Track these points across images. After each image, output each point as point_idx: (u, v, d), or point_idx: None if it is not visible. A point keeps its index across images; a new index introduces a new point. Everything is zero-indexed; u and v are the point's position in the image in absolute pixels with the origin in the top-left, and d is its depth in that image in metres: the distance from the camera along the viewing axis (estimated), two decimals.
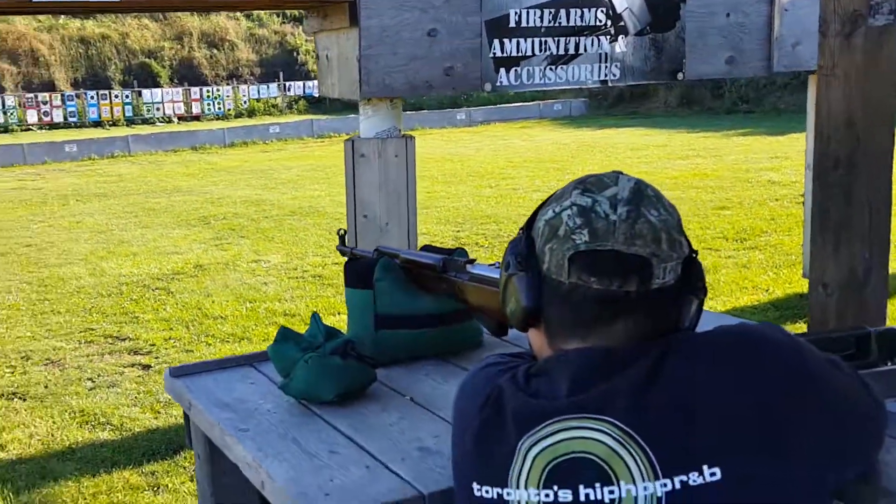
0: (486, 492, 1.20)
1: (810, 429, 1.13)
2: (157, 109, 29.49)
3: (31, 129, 27.08)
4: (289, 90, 31.76)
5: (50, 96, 28.27)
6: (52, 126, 27.57)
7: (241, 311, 6.52)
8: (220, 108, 30.50)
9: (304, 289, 7.14)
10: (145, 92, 29.79)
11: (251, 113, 30.80)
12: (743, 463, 1.10)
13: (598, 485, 1.12)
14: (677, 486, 1.10)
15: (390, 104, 3.87)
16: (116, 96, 29.10)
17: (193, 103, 30.32)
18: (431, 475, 1.36)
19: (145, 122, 28.92)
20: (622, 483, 1.11)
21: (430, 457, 1.42)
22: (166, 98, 29.76)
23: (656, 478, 1.10)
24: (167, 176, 15.92)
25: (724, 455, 1.10)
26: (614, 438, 1.13)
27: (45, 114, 27.84)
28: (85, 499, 3.67)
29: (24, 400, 4.87)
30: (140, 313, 6.55)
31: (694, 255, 1.28)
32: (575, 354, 1.22)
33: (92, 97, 28.61)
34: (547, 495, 1.14)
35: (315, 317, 1.73)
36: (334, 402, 1.65)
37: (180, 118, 29.59)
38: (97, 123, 28.17)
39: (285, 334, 1.69)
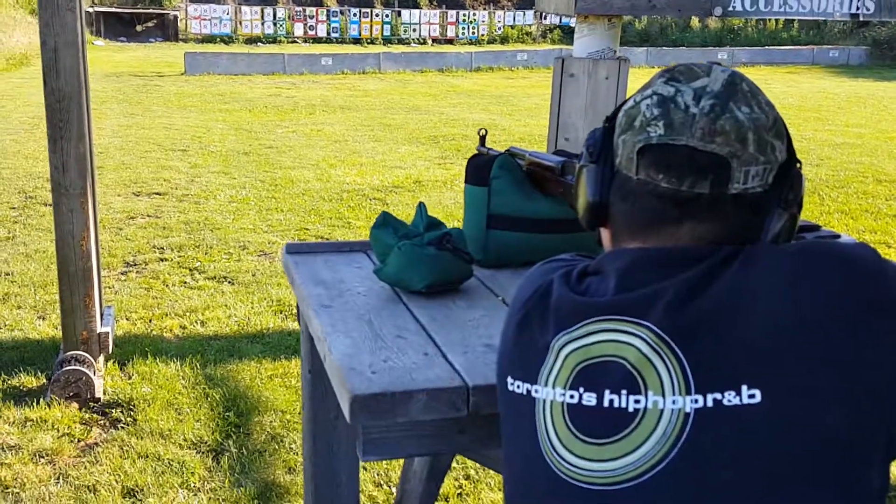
0: (518, 387, 1.13)
1: (881, 363, 0.96)
2: (414, 31, 30.26)
3: (297, 42, 28.59)
4: (545, 18, 31.49)
5: (317, 11, 29.69)
6: (315, 40, 28.99)
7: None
8: (473, 34, 30.83)
9: None
10: (404, 12, 30.61)
11: (504, 39, 30.89)
12: (789, 389, 0.95)
13: (624, 391, 1.02)
14: (709, 403, 0.97)
15: (608, 23, 3.70)
16: (377, 15, 30.11)
17: (449, 26, 30.82)
18: (484, 370, 1.30)
19: (401, 41, 29.75)
20: (650, 393, 1.00)
21: (492, 353, 1.35)
22: (423, 19, 30.46)
23: (688, 392, 0.98)
24: (409, 94, 16.33)
25: (768, 377, 0.96)
26: (649, 345, 1.01)
27: (311, 28, 29.31)
28: (262, 379, 3.88)
29: (232, 284, 5.20)
30: (353, 219, 6.80)
31: (796, 164, 1.12)
32: (629, 252, 1.11)
33: (354, 14, 29.78)
34: (572, 396, 1.06)
35: (420, 206, 1.69)
36: (423, 293, 1.61)
37: (434, 40, 30.21)
38: (356, 41, 29.31)
39: (385, 220, 1.66)
